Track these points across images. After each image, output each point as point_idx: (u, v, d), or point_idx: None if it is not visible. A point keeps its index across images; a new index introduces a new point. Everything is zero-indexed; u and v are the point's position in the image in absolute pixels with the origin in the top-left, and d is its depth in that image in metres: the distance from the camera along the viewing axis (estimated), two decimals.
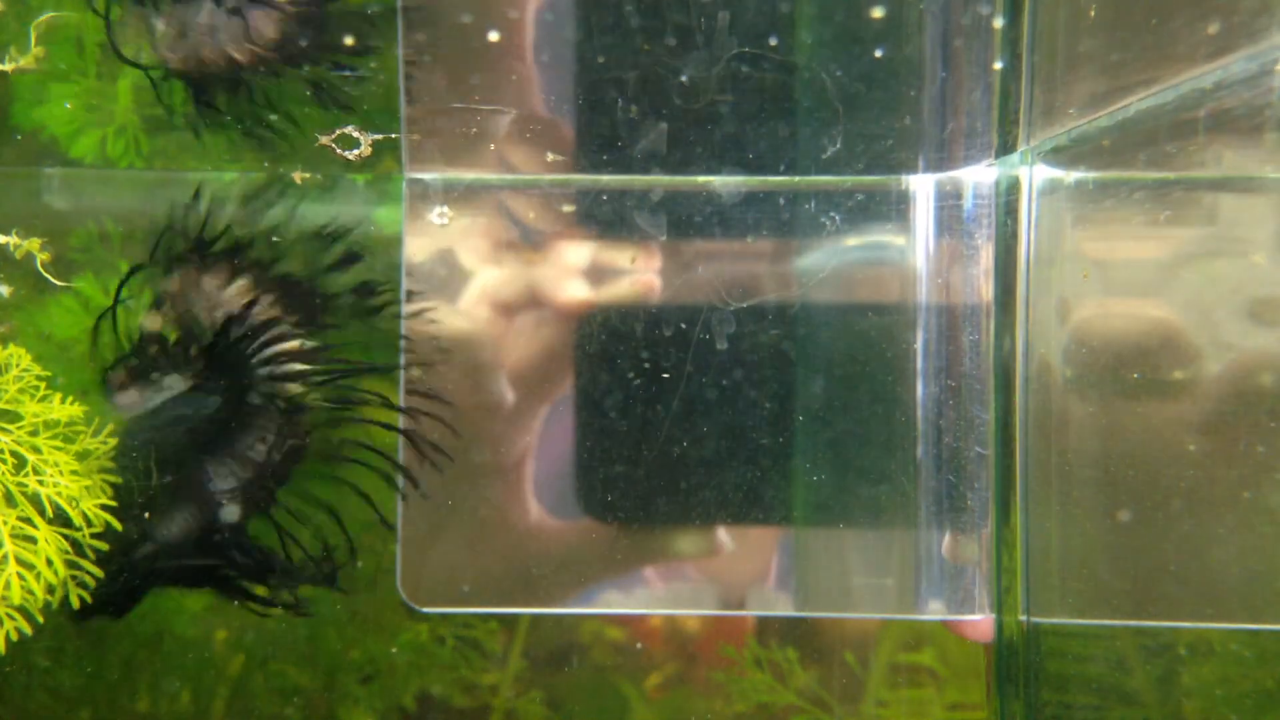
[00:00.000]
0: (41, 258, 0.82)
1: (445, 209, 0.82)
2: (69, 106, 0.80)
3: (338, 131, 0.79)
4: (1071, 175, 0.74)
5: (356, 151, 0.79)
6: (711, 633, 0.91)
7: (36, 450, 0.70)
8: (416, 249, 0.83)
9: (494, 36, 0.79)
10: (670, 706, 0.91)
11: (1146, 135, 0.66)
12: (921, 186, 0.81)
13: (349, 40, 0.79)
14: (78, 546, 0.70)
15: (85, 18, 0.80)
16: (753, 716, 0.90)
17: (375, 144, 0.82)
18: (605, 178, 0.82)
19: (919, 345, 0.82)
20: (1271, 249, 0.61)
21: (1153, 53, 0.64)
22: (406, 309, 0.82)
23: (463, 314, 0.83)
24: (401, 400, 0.82)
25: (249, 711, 0.89)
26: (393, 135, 0.79)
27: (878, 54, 0.79)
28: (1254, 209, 0.62)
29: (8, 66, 0.78)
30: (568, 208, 0.83)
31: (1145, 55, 0.65)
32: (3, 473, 0.69)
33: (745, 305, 0.81)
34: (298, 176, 0.84)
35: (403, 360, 0.82)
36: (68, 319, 0.84)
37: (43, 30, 0.79)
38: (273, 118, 0.81)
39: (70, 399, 0.72)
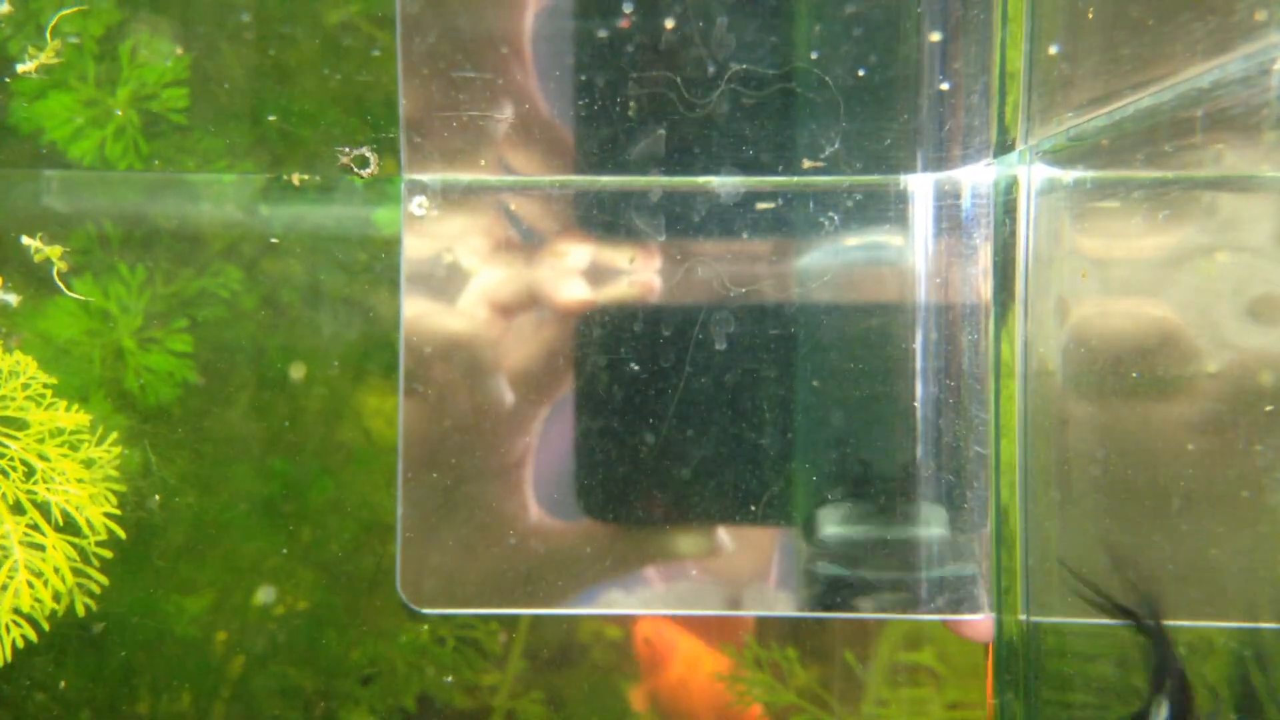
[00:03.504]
0: (59, 266, 0.82)
1: (423, 199, 0.82)
2: (119, 113, 0.80)
3: (353, 152, 0.79)
4: (1070, 175, 0.74)
5: (369, 170, 0.79)
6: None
7: (44, 458, 0.70)
8: (415, 249, 0.83)
9: (492, 38, 0.79)
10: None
11: (1145, 134, 0.66)
12: (920, 186, 0.81)
13: None
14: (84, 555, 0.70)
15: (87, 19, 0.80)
16: (752, 716, 0.90)
17: (379, 148, 0.82)
18: (604, 178, 0.82)
19: (918, 345, 0.81)
20: (1270, 247, 0.61)
21: (1151, 52, 0.64)
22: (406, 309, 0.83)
23: (462, 314, 0.83)
24: (401, 399, 0.82)
25: (249, 713, 0.89)
26: (357, 147, 0.79)
27: (876, 53, 0.79)
28: (1252, 208, 0.62)
29: (30, 66, 0.77)
30: (585, 208, 0.82)
31: (1143, 55, 0.65)
32: (12, 481, 0.69)
33: (746, 303, 0.81)
34: (295, 178, 0.84)
35: (402, 360, 0.82)
36: (67, 320, 0.85)
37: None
38: (271, 119, 0.81)
39: (76, 407, 0.72)
